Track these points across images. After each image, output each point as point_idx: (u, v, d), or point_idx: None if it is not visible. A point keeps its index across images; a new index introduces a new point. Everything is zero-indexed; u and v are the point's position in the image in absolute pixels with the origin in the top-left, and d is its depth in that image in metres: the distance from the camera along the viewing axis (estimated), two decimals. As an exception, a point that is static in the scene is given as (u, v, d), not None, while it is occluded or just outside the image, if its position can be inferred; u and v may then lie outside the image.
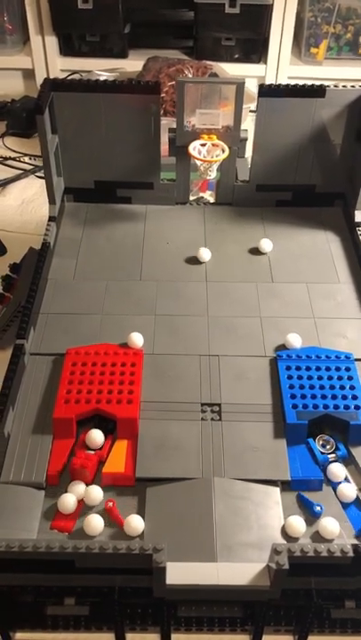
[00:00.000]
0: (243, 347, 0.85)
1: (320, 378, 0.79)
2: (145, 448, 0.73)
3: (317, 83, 0.99)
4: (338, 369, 0.80)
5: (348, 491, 0.70)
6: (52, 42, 1.61)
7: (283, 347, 0.85)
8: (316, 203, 1.09)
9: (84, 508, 0.69)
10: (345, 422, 0.74)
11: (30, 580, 0.61)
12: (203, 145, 1.01)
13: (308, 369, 0.80)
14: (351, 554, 0.55)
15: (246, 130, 1.05)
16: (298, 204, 1.09)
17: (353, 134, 1.03)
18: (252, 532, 0.66)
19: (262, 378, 0.81)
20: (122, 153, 1.04)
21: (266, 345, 0.85)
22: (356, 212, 1.04)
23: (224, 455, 0.73)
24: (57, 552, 0.55)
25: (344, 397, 0.76)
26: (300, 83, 1.00)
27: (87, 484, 0.70)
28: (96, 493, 0.69)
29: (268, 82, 1.02)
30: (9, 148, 1.43)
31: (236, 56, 1.64)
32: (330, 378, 0.79)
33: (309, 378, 0.79)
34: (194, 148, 1.00)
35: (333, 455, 0.73)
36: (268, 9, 1.54)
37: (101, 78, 1.06)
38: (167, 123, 1.06)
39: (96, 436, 0.73)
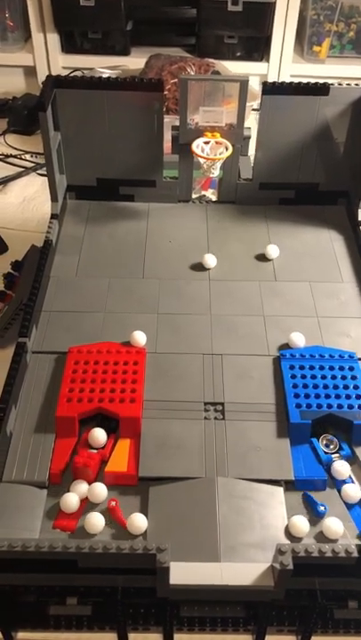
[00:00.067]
0: (246, 346, 0.85)
1: (324, 377, 0.78)
2: (148, 447, 0.73)
3: (320, 81, 0.99)
4: (341, 368, 0.80)
5: (353, 491, 0.69)
6: (54, 39, 1.60)
7: (286, 346, 0.84)
8: (320, 201, 1.08)
9: (86, 506, 0.68)
10: (349, 422, 0.74)
11: (33, 580, 0.61)
12: (206, 143, 1.00)
13: (311, 368, 0.80)
14: (355, 554, 0.55)
15: (249, 128, 1.05)
16: (301, 202, 1.08)
17: (357, 132, 1.02)
18: (255, 531, 0.66)
19: (265, 377, 0.81)
20: (124, 150, 1.03)
21: (269, 344, 0.85)
22: (359, 210, 1.03)
23: (227, 455, 0.72)
24: (60, 552, 0.55)
25: (348, 397, 0.76)
26: (303, 81, 0.99)
27: (89, 483, 0.69)
28: (100, 490, 0.68)
29: (270, 80, 1.01)
30: (10, 146, 1.42)
31: (239, 54, 1.63)
32: (333, 377, 0.78)
33: (313, 377, 0.79)
34: (197, 145, 0.99)
35: (337, 455, 0.73)
36: (270, 7, 1.53)
37: (103, 76, 1.05)
38: (170, 120, 1.06)
39: (99, 435, 0.73)
